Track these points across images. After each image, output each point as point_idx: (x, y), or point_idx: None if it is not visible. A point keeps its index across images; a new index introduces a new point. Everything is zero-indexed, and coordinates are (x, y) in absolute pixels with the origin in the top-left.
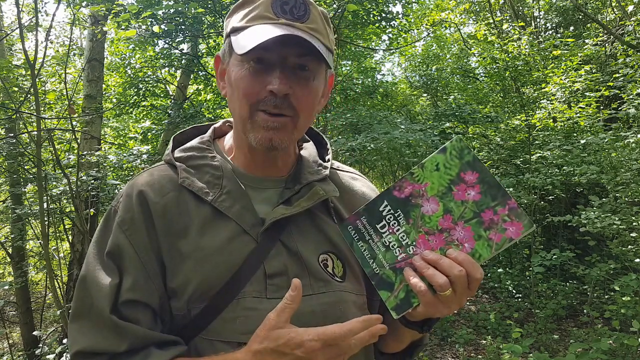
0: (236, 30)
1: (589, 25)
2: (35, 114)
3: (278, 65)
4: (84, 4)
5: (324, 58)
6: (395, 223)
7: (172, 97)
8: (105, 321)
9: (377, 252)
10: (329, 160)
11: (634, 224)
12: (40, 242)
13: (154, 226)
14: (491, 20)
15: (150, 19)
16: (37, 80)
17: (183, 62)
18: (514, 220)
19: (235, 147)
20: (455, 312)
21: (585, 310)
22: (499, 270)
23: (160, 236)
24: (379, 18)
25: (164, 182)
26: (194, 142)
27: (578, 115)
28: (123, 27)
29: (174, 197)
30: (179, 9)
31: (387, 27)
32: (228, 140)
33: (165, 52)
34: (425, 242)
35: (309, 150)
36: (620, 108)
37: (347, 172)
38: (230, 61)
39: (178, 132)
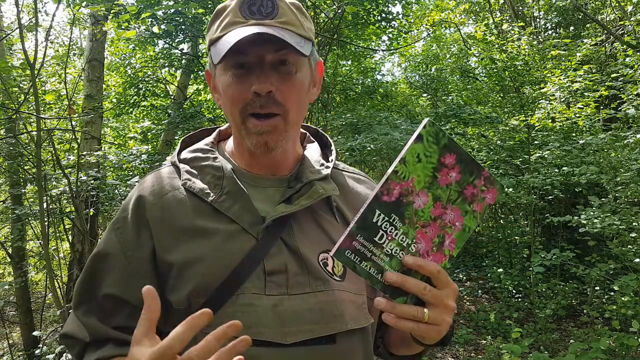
0: (213, 43)
1: (588, 25)
2: (35, 114)
3: (257, 65)
4: (84, 4)
5: (299, 49)
6: (392, 229)
7: (172, 97)
8: (75, 315)
9: (383, 264)
10: (332, 161)
11: (633, 224)
12: (40, 242)
13: (149, 226)
14: (491, 21)
15: (150, 19)
16: (37, 80)
17: (183, 62)
18: (490, 187)
19: (237, 149)
20: (455, 312)
21: (585, 310)
22: (499, 270)
23: (157, 235)
24: (379, 18)
25: (164, 184)
26: (200, 144)
27: (577, 115)
28: (123, 27)
29: (174, 197)
30: (179, 9)
31: (387, 27)
32: (231, 141)
33: (165, 52)
34: (423, 235)
35: (312, 150)
36: (619, 108)
37: (352, 173)
38: (216, 73)
39: (187, 135)
